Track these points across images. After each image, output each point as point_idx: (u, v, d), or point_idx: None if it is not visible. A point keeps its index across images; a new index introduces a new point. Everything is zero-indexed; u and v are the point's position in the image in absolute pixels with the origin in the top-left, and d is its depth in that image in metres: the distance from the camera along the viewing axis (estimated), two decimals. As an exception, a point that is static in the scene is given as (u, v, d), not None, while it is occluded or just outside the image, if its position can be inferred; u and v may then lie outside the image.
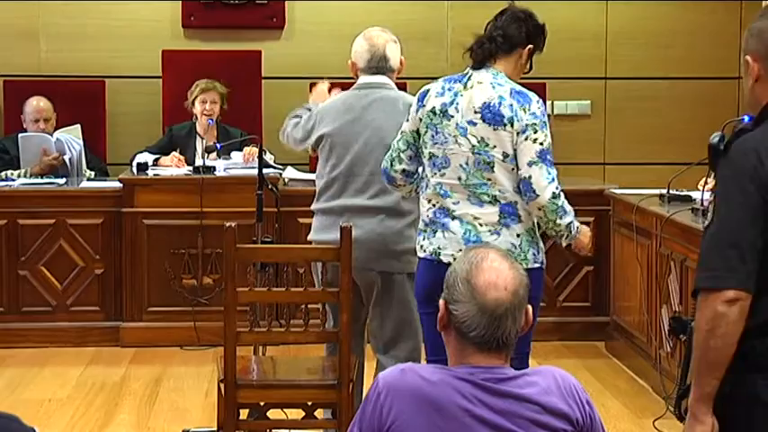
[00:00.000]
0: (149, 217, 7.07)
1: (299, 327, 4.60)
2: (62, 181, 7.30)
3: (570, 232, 4.29)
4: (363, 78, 5.02)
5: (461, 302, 2.58)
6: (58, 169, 7.41)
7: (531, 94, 4.20)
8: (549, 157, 4.15)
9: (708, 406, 2.75)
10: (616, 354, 6.90)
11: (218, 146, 7.10)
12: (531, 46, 4.29)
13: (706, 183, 6.49)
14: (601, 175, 8.34)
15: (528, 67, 4.34)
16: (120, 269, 7.09)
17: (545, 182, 4.12)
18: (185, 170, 7.26)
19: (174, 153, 7.37)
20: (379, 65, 4.98)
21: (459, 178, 4.17)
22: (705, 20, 8.52)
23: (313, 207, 5.09)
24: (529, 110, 4.14)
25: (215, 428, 4.73)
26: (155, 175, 7.23)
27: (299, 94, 8.03)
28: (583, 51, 8.35)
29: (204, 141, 7.36)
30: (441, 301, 2.63)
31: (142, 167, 7.26)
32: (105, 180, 7.49)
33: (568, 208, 4.23)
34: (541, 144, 4.13)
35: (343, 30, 8.30)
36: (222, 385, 4.52)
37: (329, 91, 5.36)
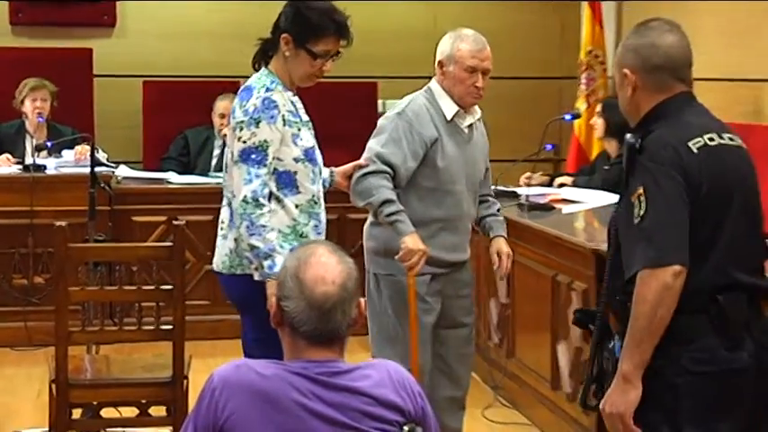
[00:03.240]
0: (-22, 216, 6.86)
1: (132, 325, 4.52)
2: None
3: (262, 266, 3.78)
4: None
5: (291, 299, 2.56)
6: None
7: (256, 91, 3.89)
8: (253, 156, 3.81)
9: (641, 372, 3.03)
10: (446, 346, 6.96)
11: (49, 144, 6.94)
12: (285, 35, 3.91)
13: (531, 177, 6.64)
14: (430, 172, 8.40)
15: (308, 57, 3.91)
16: (-52, 269, 6.87)
17: (241, 183, 3.81)
18: (15, 168, 7.06)
19: (6, 155, 7.16)
20: None
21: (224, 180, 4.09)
22: (529, 21, 8.70)
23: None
24: (243, 107, 3.87)
25: (47, 429, 4.63)
26: (-18, 174, 7.01)
27: (131, 93, 7.94)
28: (413, 51, 8.39)
29: (34, 140, 7.17)
30: (273, 299, 2.62)
31: (-31, 166, 7.04)
32: (-69, 179, 7.24)
33: (260, 222, 3.79)
34: (244, 143, 3.83)
35: (175, 29, 8.23)
36: (54, 385, 4.42)
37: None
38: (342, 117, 7.84)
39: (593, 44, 8.13)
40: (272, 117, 3.85)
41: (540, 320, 5.45)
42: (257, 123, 3.83)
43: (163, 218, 6.89)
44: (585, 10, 8.17)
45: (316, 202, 3.99)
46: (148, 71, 8.15)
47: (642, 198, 3.04)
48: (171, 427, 4.53)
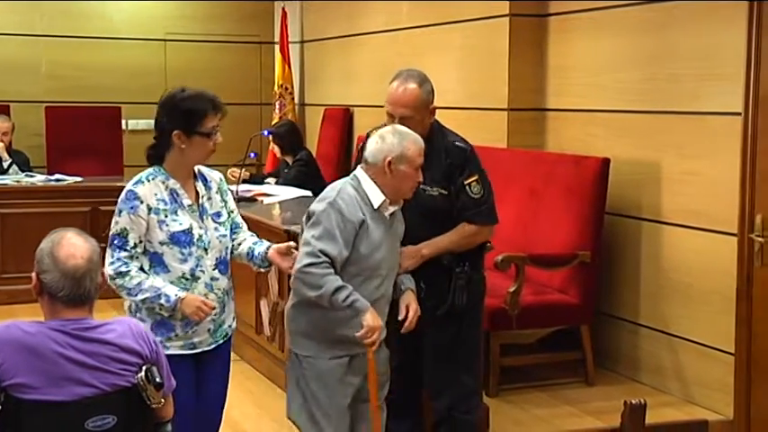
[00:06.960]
0: None
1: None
2: None
3: (161, 305, 3.28)
4: None
5: (49, 272, 2.46)
6: None
7: (128, 185, 3.29)
8: (115, 242, 3.26)
9: None
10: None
11: None
12: (175, 132, 3.26)
13: (235, 171, 6.55)
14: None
15: (202, 138, 3.34)
16: None
17: (107, 264, 3.27)
18: None
19: None
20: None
21: None
22: (238, 61, 8.74)
23: None
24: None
25: None
26: None
27: None
28: (149, 82, 8.20)
29: None
30: (33, 273, 2.49)
31: None
32: None
33: (133, 284, 3.26)
34: (112, 230, 3.29)
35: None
36: None
37: None
38: (93, 133, 7.87)
39: (284, 80, 8.24)
40: (132, 207, 3.24)
41: (247, 282, 5.39)
42: (120, 213, 3.26)
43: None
44: (278, 54, 8.28)
45: (187, 279, 3.31)
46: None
47: (479, 181, 3.69)
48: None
